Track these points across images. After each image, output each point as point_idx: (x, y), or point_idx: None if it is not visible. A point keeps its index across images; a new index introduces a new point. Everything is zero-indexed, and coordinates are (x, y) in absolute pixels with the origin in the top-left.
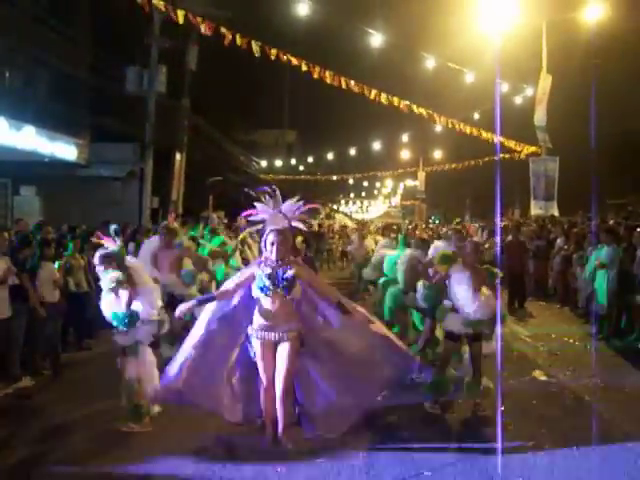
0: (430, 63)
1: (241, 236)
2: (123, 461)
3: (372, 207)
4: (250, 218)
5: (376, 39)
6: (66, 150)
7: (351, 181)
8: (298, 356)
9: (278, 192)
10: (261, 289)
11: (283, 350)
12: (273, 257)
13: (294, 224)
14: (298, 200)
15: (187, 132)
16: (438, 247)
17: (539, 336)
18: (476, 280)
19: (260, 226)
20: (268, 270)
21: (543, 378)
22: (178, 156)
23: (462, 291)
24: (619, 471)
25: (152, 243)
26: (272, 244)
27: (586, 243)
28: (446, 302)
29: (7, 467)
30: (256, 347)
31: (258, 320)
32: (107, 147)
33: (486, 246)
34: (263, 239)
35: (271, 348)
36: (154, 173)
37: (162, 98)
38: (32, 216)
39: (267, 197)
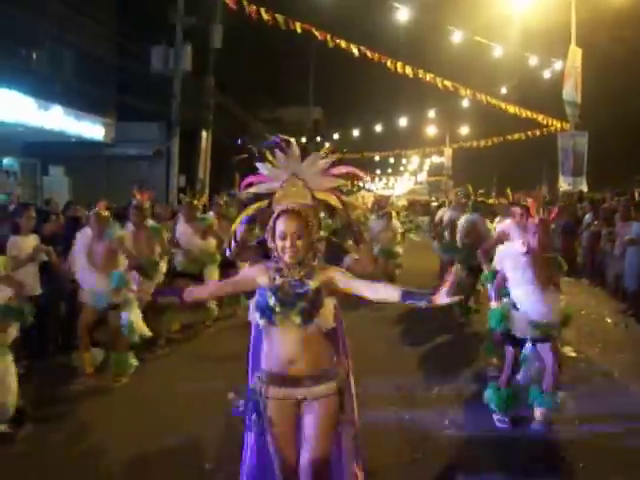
0: (457, 37)
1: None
2: None
3: (398, 184)
4: (252, 189)
5: (402, 13)
6: (93, 129)
7: (377, 158)
8: (337, 427)
9: (294, 143)
10: (262, 312)
11: (313, 418)
12: (286, 259)
13: (321, 197)
14: (328, 154)
15: (213, 110)
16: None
17: None
18: (541, 272)
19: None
20: (277, 280)
21: (572, 354)
22: (204, 134)
23: (525, 287)
24: None
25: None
26: (282, 237)
27: (615, 219)
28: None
29: None
30: (267, 412)
31: (268, 366)
32: (133, 126)
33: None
34: (268, 227)
35: (291, 414)
36: (180, 152)
37: (187, 77)
38: (61, 196)
39: (277, 152)
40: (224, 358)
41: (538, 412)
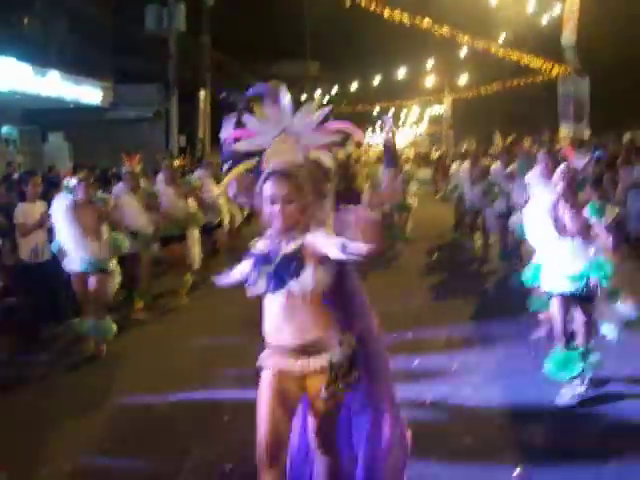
0: None
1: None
2: None
3: (399, 135)
4: (240, 146)
5: None
6: (91, 94)
7: (377, 110)
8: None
9: (284, 91)
10: (245, 280)
11: (312, 397)
12: (277, 225)
13: (314, 156)
14: (321, 106)
15: (209, 69)
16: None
17: None
18: (574, 221)
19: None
20: (262, 247)
21: None
22: (202, 94)
23: (552, 236)
24: None
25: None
26: (271, 201)
27: (618, 163)
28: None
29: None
30: (263, 382)
31: (268, 335)
32: (131, 89)
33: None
34: (257, 188)
35: (288, 388)
36: (179, 112)
37: (182, 36)
38: (62, 161)
39: (266, 101)
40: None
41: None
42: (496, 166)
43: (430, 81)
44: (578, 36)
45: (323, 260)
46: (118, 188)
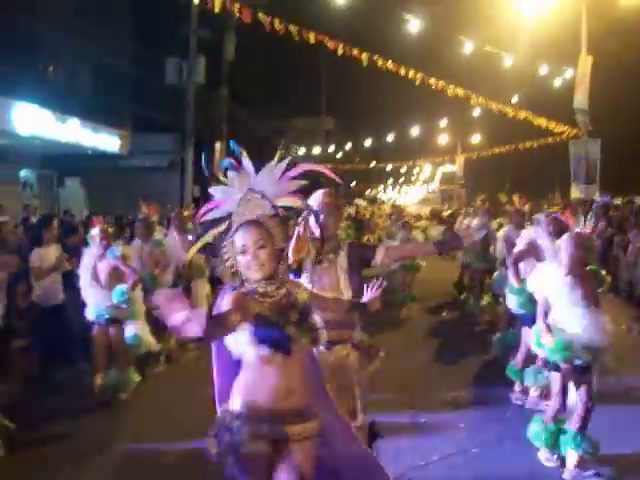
0: (468, 47)
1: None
2: None
3: (410, 193)
4: (209, 216)
5: (413, 24)
6: (109, 141)
7: (389, 167)
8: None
9: (245, 157)
10: (276, 344)
11: (294, 460)
12: (254, 275)
13: (282, 203)
14: (281, 158)
15: (226, 121)
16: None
17: None
18: (585, 291)
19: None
20: (267, 303)
21: None
22: (218, 145)
23: (564, 307)
24: None
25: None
26: (243, 251)
27: (627, 226)
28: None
29: None
30: (245, 454)
31: (252, 399)
32: (148, 138)
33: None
34: (228, 248)
35: (270, 458)
36: (195, 163)
37: (201, 88)
38: (77, 207)
39: (229, 172)
40: None
41: (573, 457)
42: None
43: (443, 139)
44: (590, 99)
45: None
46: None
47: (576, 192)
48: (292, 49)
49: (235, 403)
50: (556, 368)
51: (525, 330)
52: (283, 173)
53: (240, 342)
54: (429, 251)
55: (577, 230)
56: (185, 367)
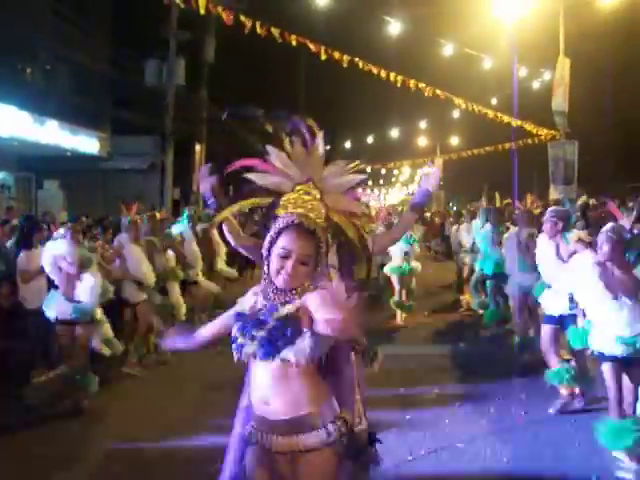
0: (447, 49)
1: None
2: None
3: (389, 194)
4: (254, 177)
5: (393, 26)
6: (88, 143)
7: (368, 169)
8: None
9: (320, 138)
10: (233, 342)
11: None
12: (279, 283)
13: (337, 219)
14: (357, 164)
15: (206, 123)
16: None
17: None
18: (628, 284)
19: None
20: (257, 305)
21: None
22: (198, 147)
23: (608, 301)
24: None
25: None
26: (285, 255)
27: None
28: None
29: None
30: (247, 459)
31: (254, 404)
32: (128, 140)
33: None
34: (267, 242)
35: (269, 466)
36: (175, 165)
37: (181, 90)
38: (56, 209)
39: (296, 141)
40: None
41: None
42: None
43: (423, 142)
44: (568, 101)
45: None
46: (122, 238)
47: (554, 193)
48: (271, 52)
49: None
50: (611, 360)
51: (548, 330)
52: (352, 187)
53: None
54: (410, 218)
55: (620, 222)
56: (169, 368)
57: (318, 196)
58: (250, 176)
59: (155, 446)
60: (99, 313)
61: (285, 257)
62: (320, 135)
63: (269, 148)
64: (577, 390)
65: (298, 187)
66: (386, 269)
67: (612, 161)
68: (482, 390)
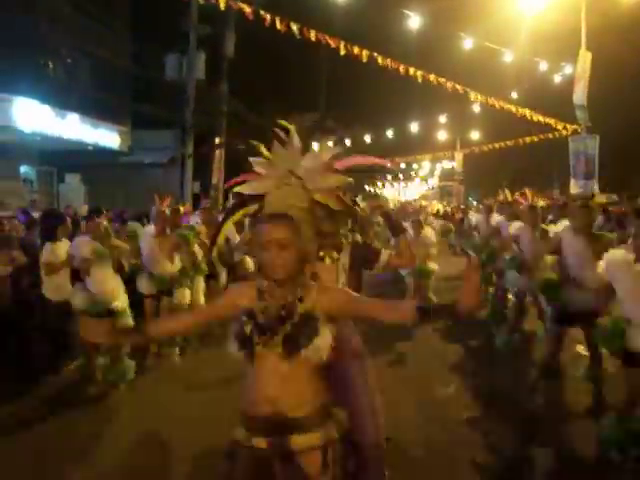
0: (467, 43)
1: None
2: None
3: (409, 189)
4: (243, 189)
5: (413, 21)
6: (109, 138)
7: (389, 164)
8: None
9: (294, 133)
10: (241, 342)
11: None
12: (272, 274)
13: (320, 199)
14: (335, 142)
15: (226, 117)
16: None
17: None
18: None
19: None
20: (263, 301)
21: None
22: (218, 141)
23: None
24: None
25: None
26: (266, 247)
27: (627, 222)
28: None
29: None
30: (240, 465)
31: (245, 407)
32: (148, 134)
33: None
34: (255, 238)
35: (263, 470)
36: (195, 159)
37: (201, 84)
38: (77, 203)
39: (274, 144)
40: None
41: None
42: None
43: (442, 136)
44: (589, 95)
45: (331, 319)
46: (148, 229)
47: (575, 187)
48: (291, 47)
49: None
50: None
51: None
52: (329, 164)
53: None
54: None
55: None
56: (177, 366)
57: (298, 183)
58: (238, 189)
59: (170, 441)
60: (120, 306)
61: (266, 248)
62: (293, 130)
63: (251, 159)
64: None
65: (279, 182)
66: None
67: (635, 156)
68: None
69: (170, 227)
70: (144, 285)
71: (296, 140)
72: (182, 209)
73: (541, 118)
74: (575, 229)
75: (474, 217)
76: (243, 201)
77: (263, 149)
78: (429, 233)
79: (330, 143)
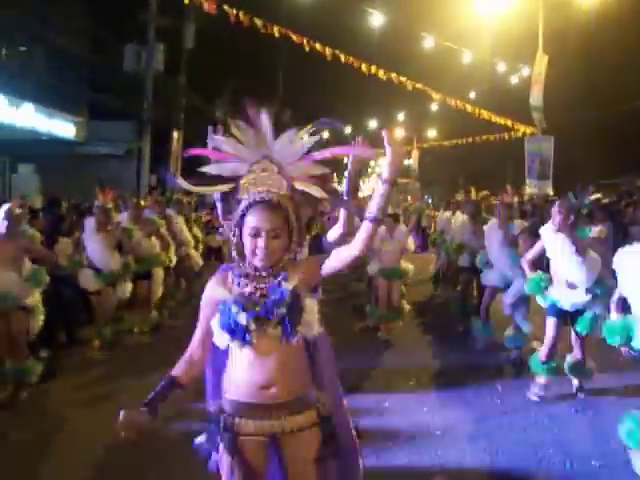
0: (428, 43)
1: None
2: None
3: (365, 185)
4: (211, 169)
5: (375, 19)
6: (64, 128)
7: (345, 159)
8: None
9: (265, 117)
10: (232, 333)
11: (294, 459)
12: (256, 262)
13: (301, 187)
14: (312, 133)
15: (184, 110)
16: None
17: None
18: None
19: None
20: (246, 288)
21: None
22: (175, 134)
23: None
24: None
25: None
26: (255, 234)
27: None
28: None
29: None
30: (225, 452)
31: (231, 392)
32: (105, 125)
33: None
34: (234, 223)
35: (263, 453)
36: (151, 151)
37: (160, 76)
38: (31, 193)
39: (243, 125)
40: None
41: None
42: (464, 220)
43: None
44: (545, 97)
45: (310, 290)
46: (88, 222)
47: (530, 187)
48: (250, 41)
49: (224, 397)
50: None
51: (550, 322)
52: (308, 152)
53: (215, 332)
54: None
55: None
56: (137, 353)
57: (276, 170)
58: (205, 169)
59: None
60: (35, 300)
61: (256, 235)
62: (264, 112)
63: (215, 137)
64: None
65: (254, 167)
66: (371, 269)
67: (588, 158)
68: (459, 376)
69: (133, 220)
70: (88, 281)
71: (267, 122)
72: (143, 202)
73: (499, 119)
74: (556, 227)
75: (444, 216)
76: (212, 181)
77: (235, 129)
78: (403, 228)
79: (305, 135)
